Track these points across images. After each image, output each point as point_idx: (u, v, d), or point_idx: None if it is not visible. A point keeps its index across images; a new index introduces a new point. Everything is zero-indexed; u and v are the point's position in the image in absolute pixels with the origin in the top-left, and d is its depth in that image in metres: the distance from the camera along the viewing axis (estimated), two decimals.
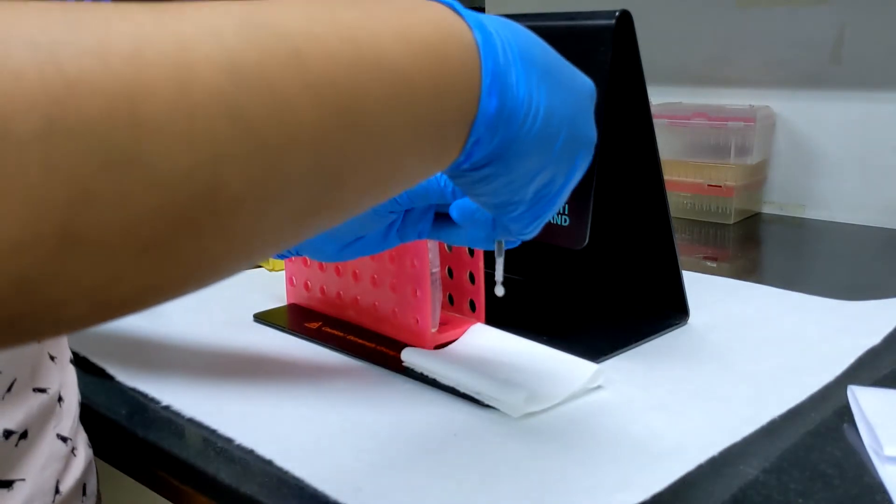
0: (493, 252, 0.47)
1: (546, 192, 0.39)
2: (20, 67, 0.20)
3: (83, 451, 0.49)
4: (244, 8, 0.26)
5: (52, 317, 0.23)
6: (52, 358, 0.47)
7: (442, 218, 0.49)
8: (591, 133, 0.39)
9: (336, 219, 0.31)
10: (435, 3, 0.33)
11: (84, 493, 0.48)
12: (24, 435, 0.43)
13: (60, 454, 0.46)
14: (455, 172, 0.36)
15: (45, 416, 0.45)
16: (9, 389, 0.42)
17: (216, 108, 0.23)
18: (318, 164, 0.27)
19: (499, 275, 0.47)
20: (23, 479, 0.43)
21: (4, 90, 0.20)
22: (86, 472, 0.49)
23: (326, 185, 0.28)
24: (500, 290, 0.47)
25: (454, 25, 0.33)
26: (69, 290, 0.23)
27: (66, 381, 0.49)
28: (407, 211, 0.49)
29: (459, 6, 0.34)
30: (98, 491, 0.52)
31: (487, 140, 0.34)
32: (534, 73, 0.35)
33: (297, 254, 0.56)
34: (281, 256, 0.66)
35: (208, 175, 0.24)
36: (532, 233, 0.42)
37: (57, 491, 0.45)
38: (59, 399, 0.47)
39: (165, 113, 0.22)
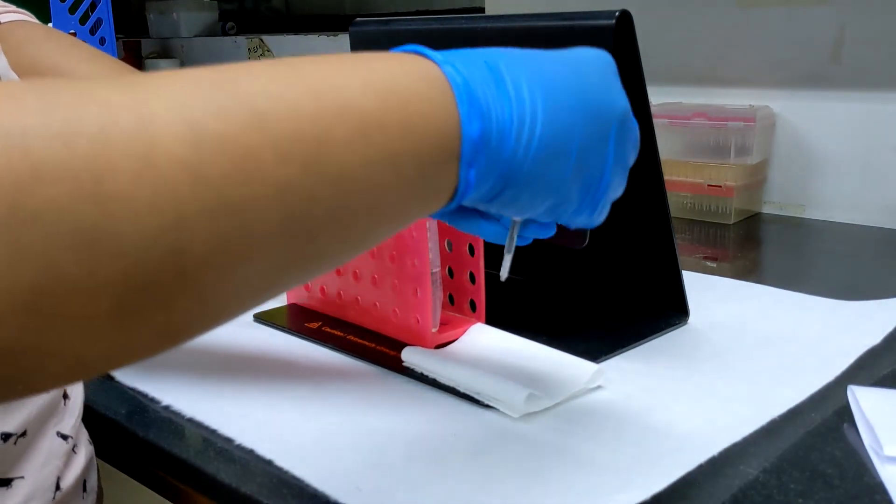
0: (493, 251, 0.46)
1: (590, 179, 0.37)
2: None
3: (84, 448, 0.49)
4: (211, 77, 0.27)
5: (26, 381, 0.25)
6: None
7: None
8: (618, 102, 0.37)
9: (320, 267, 0.31)
10: (400, 53, 0.33)
11: (85, 490, 0.48)
12: (23, 434, 0.43)
13: (61, 452, 0.46)
14: (474, 203, 0.36)
15: (46, 415, 0.45)
16: None
17: (178, 174, 0.24)
18: (286, 217, 0.27)
19: (504, 271, 0.46)
20: (22, 477, 0.43)
21: None
22: (86, 469, 0.49)
23: (299, 238, 0.28)
24: (504, 274, 0.46)
25: (421, 64, 0.33)
26: (42, 358, 0.24)
27: None
28: None
29: (426, 49, 0.34)
30: (99, 486, 0.52)
31: (485, 165, 0.33)
32: (521, 83, 0.34)
33: None
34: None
35: (173, 238, 0.24)
36: (599, 219, 0.40)
37: (58, 488, 0.45)
38: (65, 396, 0.48)
39: (129, 186, 0.23)
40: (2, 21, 0.64)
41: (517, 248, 0.45)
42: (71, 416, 0.48)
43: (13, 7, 0.67)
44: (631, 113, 0.39)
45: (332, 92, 0.29)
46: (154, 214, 0.24)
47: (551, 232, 0.44)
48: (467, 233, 0.44)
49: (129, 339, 0.25)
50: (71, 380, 0.27)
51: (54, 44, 0.64)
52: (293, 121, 0.27)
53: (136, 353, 0.27)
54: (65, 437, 0.46)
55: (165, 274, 0.24)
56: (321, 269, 0.31)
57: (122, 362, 0.27)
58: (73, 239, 0.22)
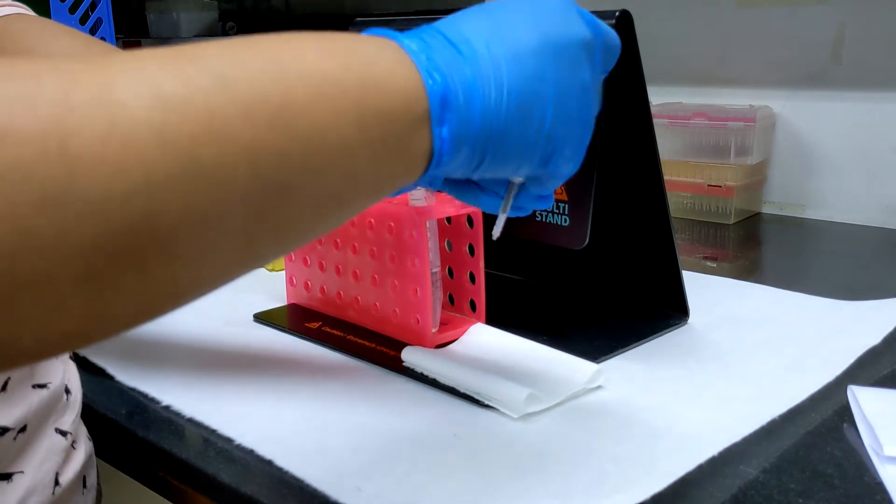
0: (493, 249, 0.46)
1: (575, 114, 0.38)
2: None
3: (83, 445, 0.49)
4: (174, 51, 0.28)
5: None
6: None
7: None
8: (577, 29, 0.38)
9: (294, 236, 0.31)
10: (356, 33, 0.34)
11: (84, 486, 0.49)
12: (23, 429, 0.43)
13: (60, 448, 0.46)
14: (464, 171, 0.36)
15: (47, 410, 0.45)
16: (3, 388, 0.42)
17: (145, 136, 0.24)
18: (256, 174, 0.27)
19: (497, 230, 0.45)
20: (21, 472, 0.43)
21: None
22: (86, 465, 0.49)
23: (272, 198, 0.28)
24: (496, 233, 0.46)
25: (378, 38, 0.33)
26: (12, 328, 0.23)
27: (71, 375, 0.49)
28: None
29: (381, 29, 0.35)
30: (98, 484, 0.52)
31: (456, 123, 0.33)
32: (479, 41, 0.34)
33: None
34: None
35: (143, 201, 0.24)
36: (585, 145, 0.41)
37: (57, 483, 0.45)
38: (67, 391, 0.48)
39: (95, 147, 0.23)
40: None
41: (518, 245, 0.45)
42: (71, 412, 0.48)
43: (8, 1, 0.67)
44: (597, 27, 0.39)
45: (291, 57, 0.30)
46: (122, 175, 0.24)
47: (549, 203, 0.44)
48: (468, 204, 0.45)
49: (103, 307, 0.25)
50: (44, 353, 0.26)
51: (50, 35, 0.64)
52: (255, 82, 0.28)
53: (112, 324, 0.26)
54: (64, 434, 0.46)
55: (137, 236, 0.24)
56: (299, 236, 0.31)
57: (97, 333, 0.27)
58: (40, 199, 0.22)
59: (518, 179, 0.42)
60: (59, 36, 0.64)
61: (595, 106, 0.40)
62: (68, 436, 0.47)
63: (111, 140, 0.24)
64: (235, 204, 0.27)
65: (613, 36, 0.41)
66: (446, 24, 0.36)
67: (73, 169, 0.23)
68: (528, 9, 0.37)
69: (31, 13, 0.68)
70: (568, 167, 0.40)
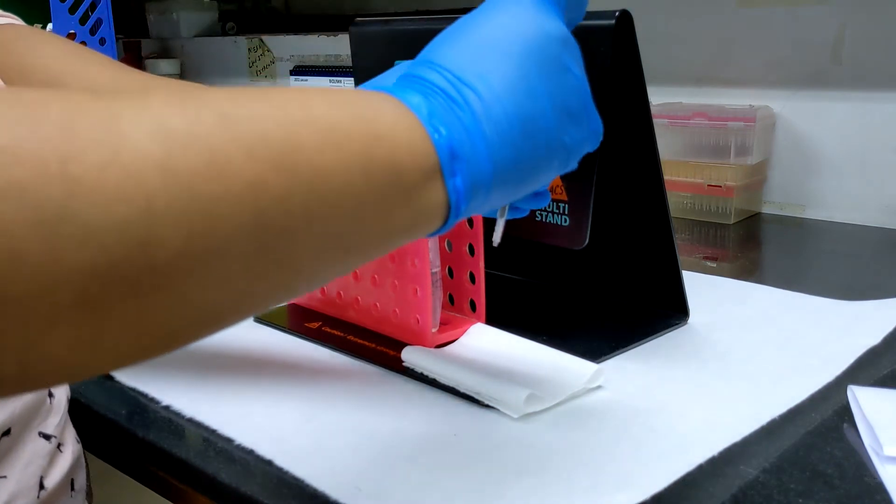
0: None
1: (576, 110, 0.39)
2: None
3: (71, 447, 0.49)
4: (179, 92, 0.28)
5: None
6: None
7: None
8: (552, 29, 0.38)
9: (298, 281, 0.30)
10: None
11: (73, 489, 0.48)
12: (6, 433, 0.43)
13: (44, 451, 0.46)
14: (487, 206, 0.37)
15: (31, 414, 0.45)
16: None
17: (147, 166, 0.24)
18: (260, 215, 0.27)
19: (497, 236, 0.45)
20: (4, 477, 0.43)
21: None
22: (73, 468, 0.49)
23: (274, 239, 0.28)
24: (497, 239, 0.46)
25: (377, 93, 0.34)
26: None
27: None
28: None
29: (377, 85, 0.36)
30: (89, 486, 0.52)
31: (467, 169, 0.34)
32: (465, 81, 0.35)
33: None
34: None
35: (142, 229, 0.24)
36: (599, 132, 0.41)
37: (42, 487, 0.45)
38: (50, 394, 0.47)
39: (96, 172, 0.23)
40: None
41: (518, 245, 0.45)
42: (55, 415, 0.48)
43: (0, 11, 0.67)
44: (567, 31, 0.39)
45: (296, 104, 0.30)
46: (122, 202, 0.23)
47: (546, 200, 0.44)
48: None
49: (93, 336, 0.24)
50: (27, 383, 0.25)
51: (44, 44, 0.64)
52: (260, 124, 0.28)
53: (102, 357, 0.26)
54: (47, 437, 0.46)
55: (134, 265, 0.24)
56: (304, 281, 0.31)
57: (85, 366, 0.26)
58: (36, 220, 0.22)
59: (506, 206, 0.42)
60: (50, 45, 0.64)
61: (588, 93, 0.40)
62: (52, 439, 0.47)
63: (113, 167, 0.23)
64: (237, 242, 0.26)
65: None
66: (429, 65, 0.36)
67: (72, 192, 0.22)
68: (501, 19, 0.37)
69: (23, 24, 0.68)
70: (591, 144, 0.40)
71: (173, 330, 0.27)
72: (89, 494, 0.52)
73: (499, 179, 0.35)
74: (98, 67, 0.64)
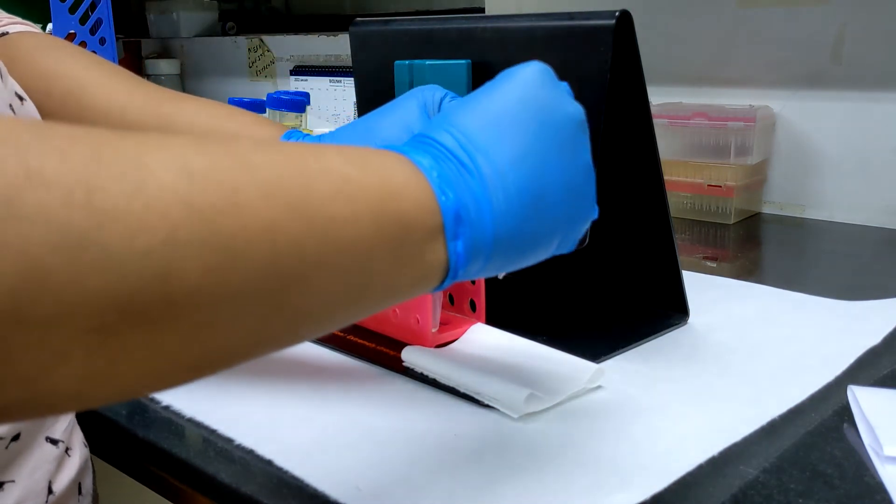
0: None
1: (582, 192, 0.39)
2: None
3: (78, 451, 0.49)
4: (198, 134, 0.29)
5: None
6: None
7: None
8: (572, 109, 0.39)
9: (307, 327, 0.31)
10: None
11: (80, 493, 0.48)
12: (16, 437, 0.43)
13: (51, 456, 0.46)
14: (482, 274, 0.37)
15: (40, 419, 0.45)
16: None
17: (170, 199, 0.25)
18: (275, 256, 0.27)
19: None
20: (13, 481, 0.43)
21: None
22: (81, 472, 0.49)
23: (287, 283, 0.28)
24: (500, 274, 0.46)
25: (389, 152, 0.35)
26: (4, 371, 0.23)
27: None
28: None
29: (397, 146, 0.36)
30: (95, 489, 0.52)
31: (470, 235, 0.34)
32: (478, 150, 0.35)
33: None
34: None
35: (163, 261, 0.24)
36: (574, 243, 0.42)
37: (50, 491, 0.45)
38: None
39: (121, 202, 0.24)
40: (10, 31, 0.65)
41: None
42: (63, 420, 0.48)
43: (18, 18, 0.68)
44: (584, 114, 0.40)
45: (312, 156, 0.31)
46: (145, 232, 0.24)
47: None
48: None
49: (105, 365, 0.24)
50: (29, 408, 0.25)
51: (65, 53, 0.64)
52: (277, 168, 0.29)
53: (109, 387, 0.26)
54: (55, 442, 0.46)
55: (152, 295, 0.24)
56: (313, 327, 0.31)
57: (91, 394, 0.26)
58: (59, 242, 0.22)
59: None
60: (70, 55, 0.65)
61: (594, 178, 0.41)
62: (60, 444, 0.47)
63: (137, 198, 0.24)
64: (252, 282, 0.27)
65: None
66: (445, 130, 0.36)
67: (96, 220, 0.23)
68: (521, 95, 0.37)
69: (42, 32, 0.68)
70: (584, 225, 0.41)
71: (181, 365, 0.27)
72: (95, 498, 0.52)
73: (499, 249, 0.36)
74: (116, 79, 0.64)
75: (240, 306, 0.27)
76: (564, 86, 0.40)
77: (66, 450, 0.47)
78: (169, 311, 0.25)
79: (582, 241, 0.54)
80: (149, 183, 0.25)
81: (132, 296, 0.24)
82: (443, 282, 0.35)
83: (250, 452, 0.46)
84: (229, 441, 0.47)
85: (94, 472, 0.53)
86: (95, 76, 0.63)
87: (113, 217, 0.23)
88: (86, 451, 0.51)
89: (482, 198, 0.35)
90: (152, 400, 0.53)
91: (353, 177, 0.31)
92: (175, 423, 0.50)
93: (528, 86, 0.38)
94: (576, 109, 0.39)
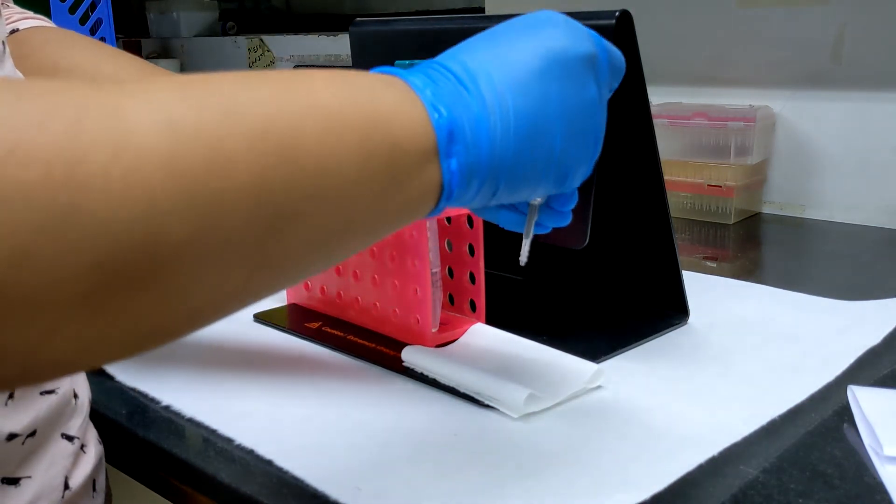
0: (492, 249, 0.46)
1: (585, 131, 0.39)
2: None
3: (93, 448, 0.49)
4: (185, 79, 0.28)
5: None
6: None
7: None
8: (580, 45, 0.38)
9: (297, 268, 0.31)
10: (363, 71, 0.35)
11: (94, 489, 0.49)
12: (32, 434, 0.43)
13: (67, 452, 0.46)
14: (480, 201, 0.37)
15: (56, 416, 0.45)
16: (10, 396, 0.42)
17: (152, 163, 0.24)
18: (261, 203, 0.27)
19: (524, 256, 0.46)
20: (29, 477, 0.43)
21: None
22: (96, 469, 0.49)
23: (275, 228, 0.28)
24: (523, 259, 0.46)
25: (382, 75, 0.34)
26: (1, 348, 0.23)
27: (78, 378, 0.49)
28: None
29: (386, 67, 0.35)
30: (108, 487, 0.52)
31: (465, 154, 0.34)
32: (480, 72, 0.35)
33: None
34: None
35: (146, 228, 0.24)
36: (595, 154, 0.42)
37: (66, 487, 0.45)
38: (75, 395, 0.48)
39: (100, 174, 0.23)
40: (20, 27, 0.65)
41: (518, 244, 0.45)
42: (79, 416, 0.48)
43: (31, 13, 0.68)
44: (602, 45, 0.40)
45: (300, 90, 0.30)
46: (126, 204, 0.24)
47: (567, 220, 0.45)
48: (488, 220, 0.46)
49: (96, 333, 0.25)
50: (28, 377, 0.26)
51: (75, 45, 0.64)
52: (264, 111, 0.28)
53: (102, 352, 0.26)
54: (70, 439, 0.46)
55: (138, 264, 0.24)
56: (303, 268, 0.31)
57: (85, 361, 0.26)
58: (43, 222, 0.22)
59: (538, 200, 0.42)
60: (80, 46, 0.65)
61: (603, 121, 0.40)
62: (75, 440, 0.47)
63: (116, 167, 0.24)
64: (238, 236, 0.27)
65: (618, 55, 0.42)
66: (450, 56, 0.36)
67: (77, 195, 0.23)
68: (531, 31, 0.38)
69: (53, 25, 0.68)
70: (584, 172, 0.41)
71: (172, 322, 0.27)
72: (108, 496, 0.52)
73: (494, 173, 0.35)
74: (127, 67, 0.64)
75: (227, 261, 0.27)
76: (578, 25, 0.39)
77: (82, 446, 0.47)
78: (155, 275, 0.25)
79: (582, 241, 0.54)
80: (128, 147, 0.24)
81: (117, 265, 0.24)
82: (437, 204, 0.35)
83: (250, 452, 0.46)
84: (229, 441, 0.47)
85: (106, 470, 0.53)
86: (108, 67, 0.63)
87: (93, 190, 0.23)
88: (100, 448, 0.51)
89: (481, 118, 0.34)
90: (152, 400, 0.53)
91: (340, 109, 0.30)
92: (175, 423, 0.50)
93: (537, 23, 0.38)
94: (585, 45, 0.38)
